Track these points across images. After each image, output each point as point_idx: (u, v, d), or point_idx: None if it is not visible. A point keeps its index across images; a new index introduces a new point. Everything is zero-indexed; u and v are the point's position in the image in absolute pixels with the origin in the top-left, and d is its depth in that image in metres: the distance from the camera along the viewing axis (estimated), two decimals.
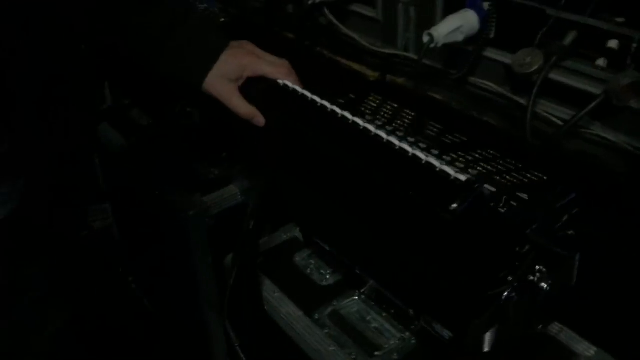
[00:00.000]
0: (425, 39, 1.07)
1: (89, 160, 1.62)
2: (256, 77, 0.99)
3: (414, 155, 0.72)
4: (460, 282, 0.74)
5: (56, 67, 1.53)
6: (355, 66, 1.28)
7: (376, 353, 0.93)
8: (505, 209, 0.74)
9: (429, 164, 0.71)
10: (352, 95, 0.98)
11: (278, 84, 0.96)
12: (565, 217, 0.78)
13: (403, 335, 0.95)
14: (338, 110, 0.82)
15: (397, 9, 1.24)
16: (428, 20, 1.17)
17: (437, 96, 1.14)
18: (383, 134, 0.77)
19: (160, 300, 1.65)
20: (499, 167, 0.83)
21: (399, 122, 0.92)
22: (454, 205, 0.64)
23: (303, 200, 0.97)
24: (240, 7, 1.50)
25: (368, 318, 0.99)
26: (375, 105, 0.96)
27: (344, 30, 1.32)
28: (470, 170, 0.81)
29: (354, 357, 0.93)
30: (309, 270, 1.08)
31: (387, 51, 1.27)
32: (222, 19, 1.38)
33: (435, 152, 0.84)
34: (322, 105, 0.83)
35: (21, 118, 1.38)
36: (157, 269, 1.54)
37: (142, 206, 1.37)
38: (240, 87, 0.98)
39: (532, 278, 0.78)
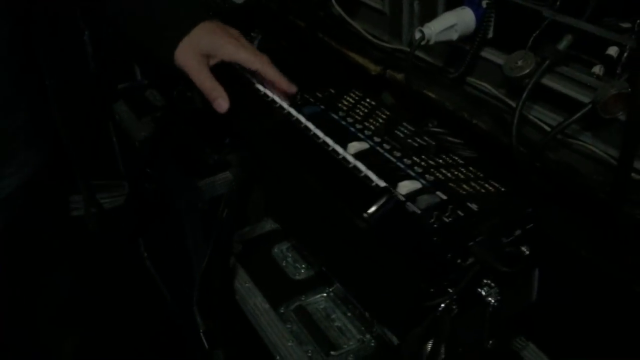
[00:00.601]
0: (417, 35, 1.04)
1: (106, 137, 1.65)
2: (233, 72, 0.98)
3: (343, 158, 0.71)
4: (397, 291, 0.72)
5: (76, 44, 1.56)
6: (359, 59, 1.26)
7: (332, 352, 0.92)
8: (450, 218, 0.72)
9: (355, 168, 0.69)
10: (332, 90, 0.96)
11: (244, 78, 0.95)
12: (518, 232, 0.75)
13: (363, 337, 0.94)
14: (286, 106, 0.81)
15: (402, 3, 1.20)
16: (430, 16, 1.14)
17: (432, 94, 1.11)
18: (320, 134, 0.75)
19: (167, 280, 1.68)
20: (461, 174, 0.81)
21: (371, 120, 0.90)
22: (368, 212, 0.63)
23: (273, 193, 0.96)
24: None
25: (333, 316, 0.98)
26: (353, 101, 0.94)
27: (351, 22, 1.30)
28: (427, 175, 0.79)
29: (309, 354, 0.92)
30: (284, 263, 1.07)
31: (390, 46, 1.24)
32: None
33: (398, 154, 0.82)
34: (272, 100, 0.82)
35: (40, 90, 1.42)
36: (162, 250, 1.57)
37: (144, 186, 1.39)
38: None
39: (480, 291, 0.76)
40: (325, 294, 1.01)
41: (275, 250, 1.10)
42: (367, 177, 0.68)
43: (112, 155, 1.70)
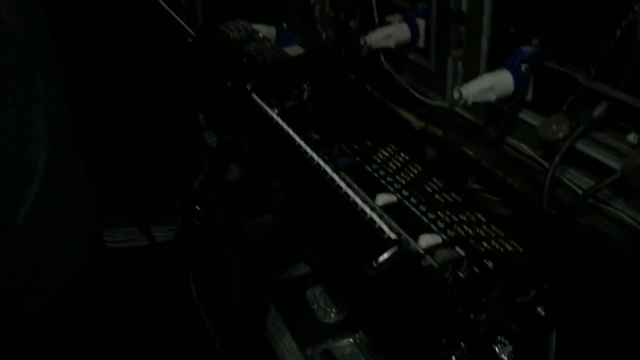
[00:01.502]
0: (455, 95, 1.08)
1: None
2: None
3: (362, 210, 0.75)
4: (409, 340, 0.74)
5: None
6: (404, 113, 1.30)
7: None
8: (465, 274, 0.74)
9: (371, 219, 0.73)
10: (368, 143, 1.01)
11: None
12: (533, 292, 0.77)
13: None
14: (316, 157, 0.85)
15: (447, 62, 1.25)
16: (473, 76, 1.17)
17: (469, 152, 1.14)
18: (343, 186, 0.79)
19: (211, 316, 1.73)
20: (482, 232, 0.83)
21: (403, 174, 0.94)
22: (378, 261, 0.66)
23: (304, 237, 1.01)
24: (314, 43, 1.57)
25: None
26: (387, 155, 0.99)
27: (397, 78, 1.35)
28: (449, 230, 0.82)
29: None
30: (315, 306, 1.11)
31: (434, 102, 1.28)
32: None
33: (423, 208, 0.86)
34: (304, 150, 0.87)
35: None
36: (208, 285, 1.63)
37: (192, 223, 1.46)
38: None
39: (494, 348, 0.77)
40: (352, 340, 1.04)
41: (309, 292, 1.14)
42: (380, 229, 0.72)
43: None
